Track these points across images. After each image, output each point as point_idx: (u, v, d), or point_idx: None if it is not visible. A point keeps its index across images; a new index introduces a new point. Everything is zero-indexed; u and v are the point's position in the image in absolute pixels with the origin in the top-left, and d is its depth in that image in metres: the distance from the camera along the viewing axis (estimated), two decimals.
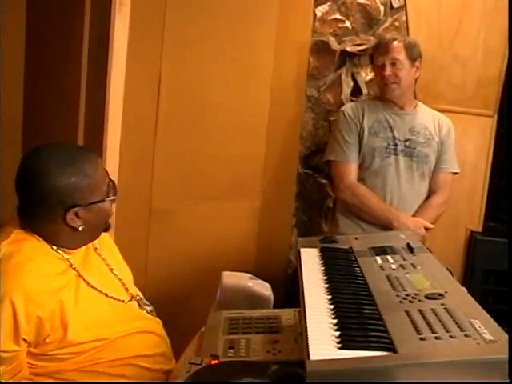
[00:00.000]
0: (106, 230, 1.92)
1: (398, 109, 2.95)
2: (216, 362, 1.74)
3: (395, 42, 2.87)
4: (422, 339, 1.30)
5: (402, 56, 2.86)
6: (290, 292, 3.27)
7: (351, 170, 2.93)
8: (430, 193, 3.01)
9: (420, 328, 1.35)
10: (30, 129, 2.83)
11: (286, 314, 2.11)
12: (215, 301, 2.32)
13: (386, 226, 2.88)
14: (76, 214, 1.74)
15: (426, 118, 2.99)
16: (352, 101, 3.27)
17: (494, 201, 3.42)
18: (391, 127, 2.91)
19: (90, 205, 1.75)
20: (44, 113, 2.76)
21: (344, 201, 2.97)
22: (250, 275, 2.40)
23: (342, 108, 3.05)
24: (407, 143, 2.91)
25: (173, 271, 2.95)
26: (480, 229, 3.47)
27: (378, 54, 2.91)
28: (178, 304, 2.83)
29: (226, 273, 2.39)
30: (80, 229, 1.76)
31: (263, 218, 3.20)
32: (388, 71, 2.85)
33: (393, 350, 1.28)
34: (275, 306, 2.29)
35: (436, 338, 1.30)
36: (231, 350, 1.82)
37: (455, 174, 3.07)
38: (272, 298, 2.32)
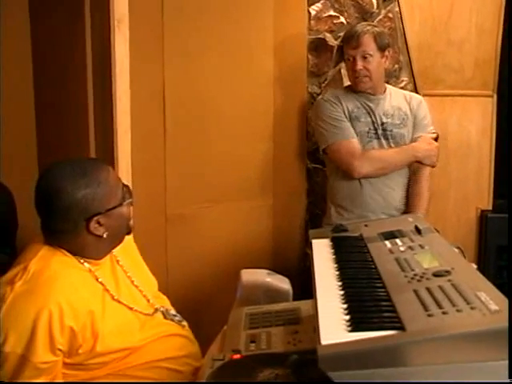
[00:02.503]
0: (129, 233, 1.93)
1: (370, 95, 2.88)
2: (238, 356, 1.75)
3: (366, 35, 2.78)
4: (429, 316, 1.31)
5: (372, 49, 2.78)
6: (308, 285, 3.26)
7: (357, 144, 2.82)
8: (415, 168, 2.93)
9: (428, 305, 1.36)
10: (44, 146, 2.86)
11: (305, 305, 2.10)
12: (236, 299, 2.33)
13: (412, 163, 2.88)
14: (98, 222, 1.75)
15: (398, 99, 2.93)
16: None
17: (502, 179, 3.39)
18: (369, 112, 2.86)
19: (109, 211, 1.76)
20: (56, 129, 2.79)
21: (366, 173, 2.82)
22: (268, 271, 2.40)
23: (319, 97, 2.98)
24: (384, 126, 2.86)
25: (193, 274, 2.96)
26: (490, 207, 3.44)
27: (348, 47, 2.81)
28: (200, 306, 2.84)
29: (244, 270, 2.39)
30: (104, 236, 1.78)
31: (277, 215, 3.19)
32: (359, 65, 2.78)
33: (401, 328, 1.29)
34: (295, 300, 2.29)
35: (443, 313, 1.31)
36: (253, 344, 1.82)
37: (436, 139, 2.96)
38: (291, 291, 2.32)
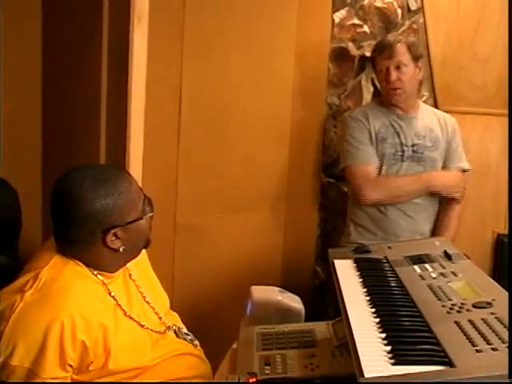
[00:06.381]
0: (146, 246, 1.89)
1: (402, 113, 2.85)
2: (254, 380, 1.72)
3: (399, 44, 2.76)
4: (478, 351, 1.28)
5: (406, 59, 2.76)
6: (317, 304, 3.25)
7: (373, 170, 2.80)
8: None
9: (474, 339, 1.33)
10: (50, 144, 2.82)
11: (320, 327, 2.10)
12: (245, 316, 2.30)
13: (427, 193, 2.84)
14: (115, 235, 1.71)
15: (430, 120, 2.91)
16: None
17: None
18: (397, 133, 2.82)
19: (128, 224, 1.72)
20: (64, 127, 2.75)
21: (375, 201, 2.81)
22: (280, 288, 2.39)
23: (347, 113, 2.97)
24: (415, 148, 2.82)
25: (199, 286, 2.95)
26: (506, 231, 3.42)
27: (381, 57, 2.78)
28: (206, 320, 2.81)
29: (254, 287, 2.37)
30: (121, 250, 1.74)
31: (288, 229, 3.18)
32: (394, 76, 2.74)
33: (449, 363, 1.26)
34: (307, 319, 2.27)
35: (493, 349, 1.28)
36: (267, 367, 1.81)
37: (465, 171, 2.95)
38: (303, 311, 2.31)
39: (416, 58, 2.81)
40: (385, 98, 2.88)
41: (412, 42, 2.83)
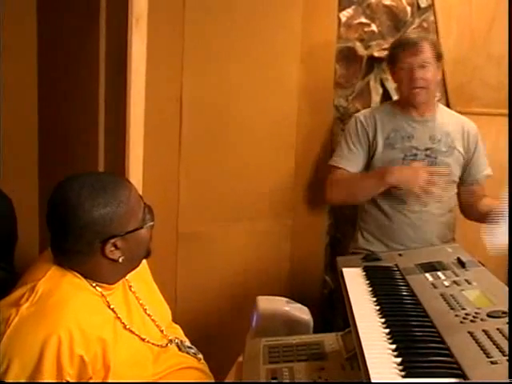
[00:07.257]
0: (147, 256, 1.88)
1: (417, 115, 2.84)
2: None
3: (424, 42, 2.74)
4: (493, 363, 1.27)
5: (430, 57, 2.74)
6: (326, 314, 3.24)
7: (344, 175, 2.85)
8: (479, 198, 2.91)
9: (488, 350, 1.33)
10: (46, 152, 2.83)
11: (329, 339, 2.08)
12: (251, 328, 2.30)
13: (382, 189, 2.75)
14: (114, 245, 1.71)
15: (448, 124, 2.88)
16: None
17: None
18: (409, 136, 2.81)
19: (127, 234, 1.72)
20: (60, 134, 2.75)
21: (336, 200, 2.94)
22: (287, 299, 2.38)
23: (356, 114, 2.96)
24: (428, 152, 2.80)
25: (203, 297, 2.93)
26: None
27: (404, 54, 2.75)
28: (210, 332, 2.80)
29: (261, 298, 2.36)
30: (120, 260, 1.73)
31: (295, 237, 3.16)
32: (419, 74, 2.72)
33: (462, 376, 1.25)
34: (315, 331, 2.26)
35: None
36: (274, 381, 1.80)
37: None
38: (311, 322, 2.30)
39: (438, 58, 2.79)
40: (404, 98, 2.85)
41: (434, 41, 2.84)
